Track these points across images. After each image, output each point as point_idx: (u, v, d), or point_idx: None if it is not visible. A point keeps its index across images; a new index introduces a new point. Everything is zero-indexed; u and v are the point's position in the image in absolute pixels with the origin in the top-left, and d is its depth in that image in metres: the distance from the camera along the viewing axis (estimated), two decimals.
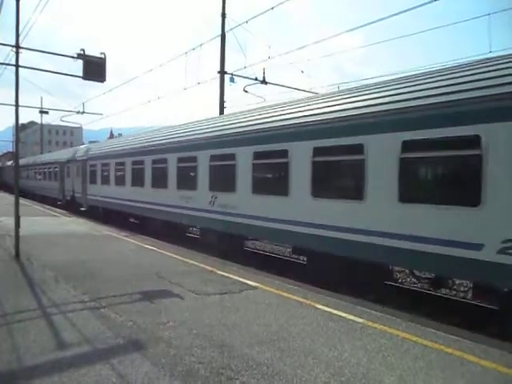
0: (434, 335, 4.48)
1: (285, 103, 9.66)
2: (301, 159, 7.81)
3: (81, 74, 8.63)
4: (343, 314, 5.14)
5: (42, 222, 15.11)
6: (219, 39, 17.22)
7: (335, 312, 5.24)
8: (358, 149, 6.71)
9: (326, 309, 5.37)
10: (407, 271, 9.57)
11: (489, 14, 12.02)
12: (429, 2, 11.07)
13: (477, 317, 6.50)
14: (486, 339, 4.84)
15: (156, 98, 22.52)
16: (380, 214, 6.43)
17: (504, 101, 5.20)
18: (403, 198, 6.13)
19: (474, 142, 5.42)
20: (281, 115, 8.70)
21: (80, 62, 8.49)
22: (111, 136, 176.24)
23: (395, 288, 7.94)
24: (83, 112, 23.92)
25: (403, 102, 6.33)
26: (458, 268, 5.61)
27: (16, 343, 4.05)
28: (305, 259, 10.68)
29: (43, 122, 45.48)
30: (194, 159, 11.00)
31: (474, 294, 6.31)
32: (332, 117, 7.30)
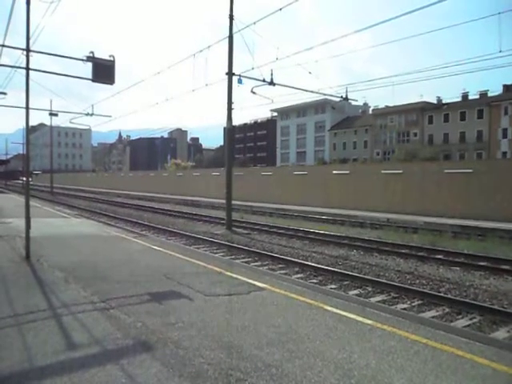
0: (445, 337, 4.43)
1: None
2: None
3: (89, 76, 8.71)
4: (352, 316, 5.12)
5: (52, 223, 15.25)
6: (227, 41, 17.28)
7: (344, 313, 5.22)
8: None
9: (335, 310, 5.35)
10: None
11: (499, 13, 11.93)
12: (438, 2, 11.02)
13: (487, 318, 6.43)
14: (497, 342, 4.80)
15: (164, 100, 22.67)
16: None
17: None
18: None
19: None
20: None
21: (88, 65, 8.56)
22: (120, 138, 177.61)
23: (403, 289, 7.88)
24: (92, 114, 24.13)
25: None
26: None
27: (27, 343, 4.09)
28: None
29: (52, 124, 45.86)
30: None
31: None
32: None
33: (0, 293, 5.92)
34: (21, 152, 74.07)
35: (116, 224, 17.84)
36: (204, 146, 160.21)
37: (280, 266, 10.18)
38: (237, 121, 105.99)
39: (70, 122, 29.01)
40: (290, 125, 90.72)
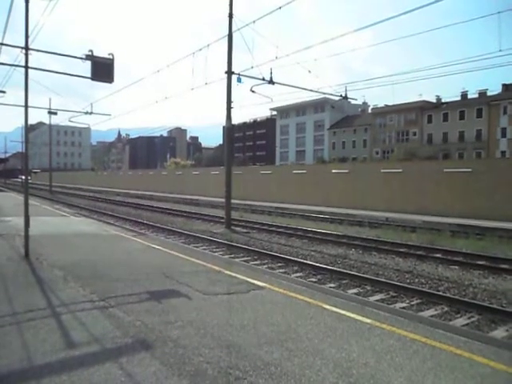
0: (444, 336, 4.44)
1: None
2: None
3: (88, 74, 8.69)
4: (351, 315, 5.13)
5: (51, 221, 15.24)
6: (226, 39, 17.25)
7: (343, 312, 5.23)
8: None
9: (334, 309, 5.36)
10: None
11: (499, 13, 11.95)
12: (437, 1, 11.02)
13: (486, 317, 6.44)
14: (496, 340, 4.81)
15: (163, 99, 22.64)
16: None
17: None
18: None
19: None
20: None
21: (87, 63, 8.55)
22: (119, 137, 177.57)
23: (402, 288, 7.89)
24: (91, 113, 24.12)
25: None
26: None
27: (26, 342, 4.09)
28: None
29: (51, 122, 45.79)
30: None
31: None
32: None
33: None
34: (20, 150, 73.95)
35: (115, 222, 17.84)
36: (203, 145, 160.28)
37: (279, 264, 10.19)
38: (236, 119, 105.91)
39: (69, 121, 29.08)
40: (290, 124, 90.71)
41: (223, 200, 18.62)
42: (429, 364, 3.73)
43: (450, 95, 72.66)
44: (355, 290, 7.96)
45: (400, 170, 23.48)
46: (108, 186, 56.79)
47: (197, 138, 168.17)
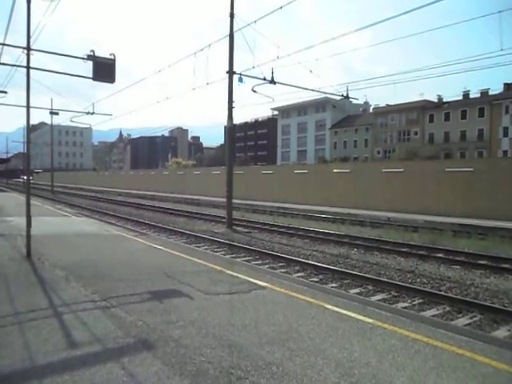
0: (445, 336, 4.44)
1: None
2: None
3: (90, 74, 8.70)
4: (352, 315, 5.12)
5: (53, 221, 15.26)
6: (227, 39, 17.26)
7: (344, 312, 5.22)
8: None
9: (336, 309, 5.35)
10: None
11: (500, 12, 11.93)
12: (437, 1, 11.01)
13: (488, 318, 6.43)
14: (497, 340, 4.80)
15: (165, 99, 22.62)
16: None
17: None
18: None
19: None
20: None
21: (88, 63, 8.55)
22: (120, 137, 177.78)
23: (404, 288, 7.88)
24: (93, 113, 24.10)
25: None
26: None
27: (28, 341, 4.10)
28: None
29: (53, 122, 45.88)
30: None
31: None
32: None
33: (1, 291, 5.93)
34: (21, 151, 74.10)
35: (117, 222, 17.86)
36: (205, 145, 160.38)
37: (281, 264, 10.19)
38: (237, 119, 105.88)
39: (71, 121, 29.05)
40: (291, 123, 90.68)
41: (224, 200, 18.63)
42: (430, 364, 3.72)
43: (452, 95, 72.62)
44: (357, 290, 7.95)
45: (401, 170, 23.46)
46: (110, 186, 56.86)
47: (198, 138, 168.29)
